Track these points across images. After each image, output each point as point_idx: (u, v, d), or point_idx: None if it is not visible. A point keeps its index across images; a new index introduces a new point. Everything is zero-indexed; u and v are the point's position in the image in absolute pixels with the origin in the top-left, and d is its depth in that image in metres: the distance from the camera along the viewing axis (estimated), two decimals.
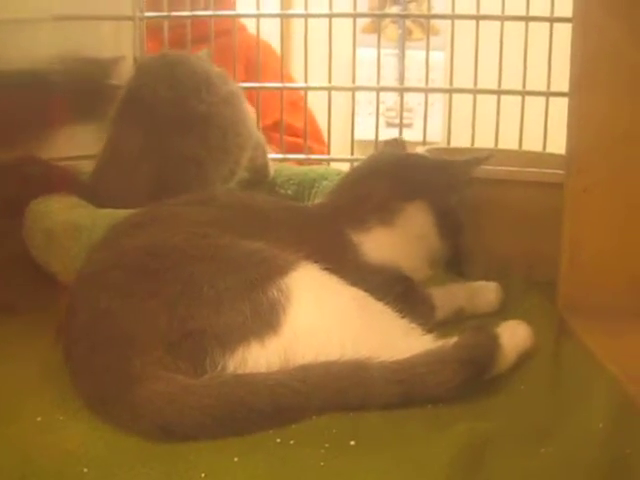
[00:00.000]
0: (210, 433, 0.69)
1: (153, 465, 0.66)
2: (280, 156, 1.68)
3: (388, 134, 1.70)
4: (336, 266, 0.86)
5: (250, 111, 1.47)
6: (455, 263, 1.13)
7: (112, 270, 0.81)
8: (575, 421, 0.73)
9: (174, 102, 1.29)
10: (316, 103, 1.74)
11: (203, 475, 0.64)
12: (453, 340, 0.80)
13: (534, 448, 0.69)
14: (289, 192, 1.55)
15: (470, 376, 0.76)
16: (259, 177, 1.50)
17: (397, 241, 1.00)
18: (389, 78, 2.67)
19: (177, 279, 0.78)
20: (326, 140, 1.74)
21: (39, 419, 0.75)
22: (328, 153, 1.73)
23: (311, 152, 1.76)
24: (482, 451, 0.67)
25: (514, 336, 0.87)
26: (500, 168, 1.19)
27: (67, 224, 1.12)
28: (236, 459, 0.66)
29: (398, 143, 1.17)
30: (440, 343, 0.82)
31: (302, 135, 1.74)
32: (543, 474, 0.65)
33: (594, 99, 1.03)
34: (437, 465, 0.65)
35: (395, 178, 1.04)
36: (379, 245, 0.98)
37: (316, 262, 0.84)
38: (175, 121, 1.28)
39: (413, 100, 2.34)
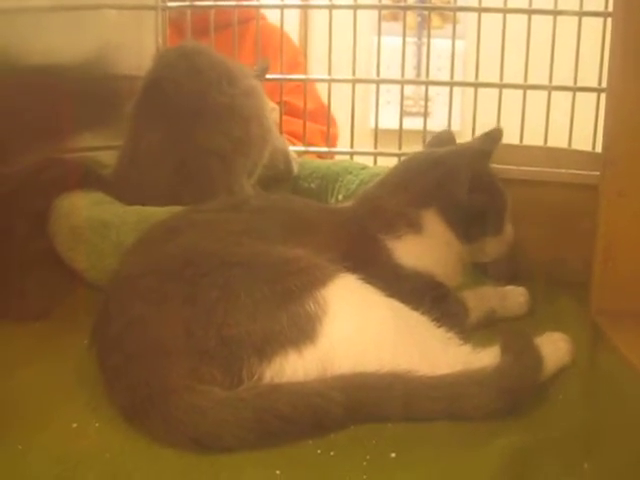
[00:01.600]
0: (247, 445, 0.69)
1: (193, 477, 0.65)
2: (302, 148, 1.67)
3: (406, 123, 1.68)
4: (371, 271, 0.85)
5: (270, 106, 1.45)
6: (481, 265, 1.12)
7: (147, 276, 0.81)
8: (617, 436, 0.72)
9: (196, 94, 1.28)
10: (333, 94, 1.72)
11: None
12: (493, 354, 0.80)
13: (577, 462, 0.68)
14: (312, 186, 1.54)
15: (508, 404, 0.75)
16: (284, 175, 1.49)
17: (426, 248, 0.99)
18: (407, 66, 2.63)
19: (213, 286, 0.77)
20: (349, 132, 1.72)
21: (75, 425, 0.75)
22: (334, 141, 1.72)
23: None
24: (524, 466, 0.67)
25: (556, 351, 0.86)
26: (530, 169, 1.17)
27: (93, 221, 1.11)
28: (278, 472, 0.66)
29: (447, 136, 1.14)
30: (479, 354, 0.81)
31: (302, 116, 1.72)
32: None
33: (633, 98, 1.01)
34: (479, 478, 0.64)
35: (411, 185, 1.03)
36: (411, 252, 0.97)
37: (351, 267, 0.83)
38: (197, 113, 1.27)
39: (432, 89, 2.32)
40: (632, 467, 0.67)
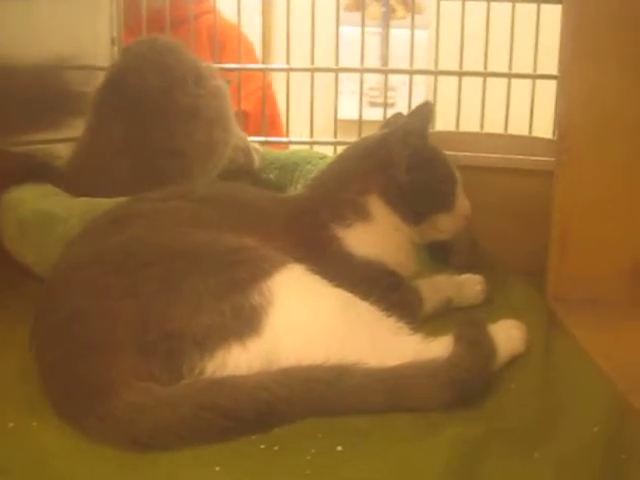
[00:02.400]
0: (187, 443, 0.66)
1: (130, 476, 0.63)
2: (262, 139, 1.65)
3: (371, 114, 1.67)
4: (322, 260, 0.83)
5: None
6: (441, 253, 1.11)
7: (88, 268, 0.78)
8: (569, 424, 0.71)
9: (161, 91, 1.25)
10: (296, 83, 1.70)
11: None
12: (445, 344, 0.78)
13: (527, 452, 0.66)
14: (271, 176, 1.52)
15: (460, 396, 0.73)
16: (244, 167, 1.47)
17: (376, 235, 0.96)
18: (372, 57, 2.60)
19: (155, 278, 0.74)
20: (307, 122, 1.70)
21: (11, 425, 0.72)
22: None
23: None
24: (474, 456, 0.65)
25: (509, 339, 0.84)
26: (487, 155, 1.16)
27: (41, 213, 1.08)
28: (217, 468, 0.63)
29: (400, 119, 1.08)
30: (430, 344, 0.79)
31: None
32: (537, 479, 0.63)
33: (585, 85, 1.00)
34: (428, 472, 0.63)
35: (352, 171, 1.01)
36: (361, 240, 0.95)
37: (302, 257, 0.81)
38: (161, 112, 1.25)
39: (397, 79, 2.31)
40: (581, 455, 0.65)
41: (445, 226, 1.01)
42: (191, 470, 0.63)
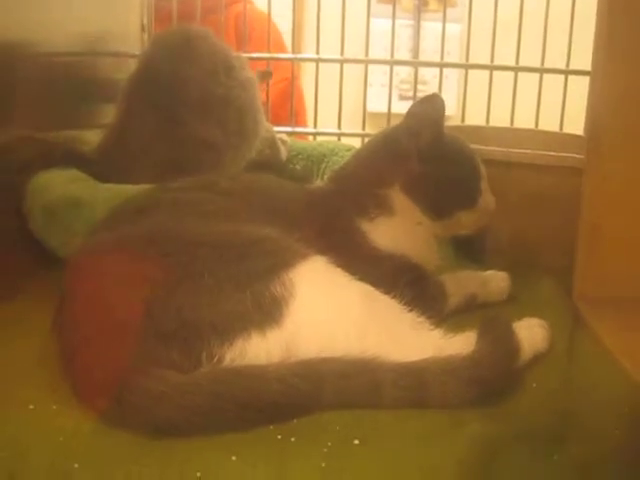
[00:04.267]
0: (204, 431, 0.66)
1: (146, 462, 0.63)
2: (289, 129, 1.65)
3: (400, 107, 1.65)
4: (346, 253, 0.83)
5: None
6: (469, 249, 1.10)
7: (110, 255, 0.78)
8: (590, 426, 0.70)
9: (194, 82, 1.26)
10: (327, 75, 1.69)
11: (198, 474, 0.61)
12: (467, 340, 0.77)
13: (547, 453, 0.65)
14: (297, 167, 1.53)
15: (481, 394, 0.72)
16: (270, 159, 1.47)
17: (399, 229, 0.95)
18: (403, 49, 2.61)
19: (176, 266, 0.74)
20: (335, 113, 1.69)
21: (32, 407, 0.72)
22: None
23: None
24: (493, 456, 0.64)
25: (533, 338, 0.83)
26: (515, 150, 1.14)
27: (67, 198, 1.09)
28: (234, 457, 0.63)
29: (436, 99, 0.99)
30: (451, 340, 0.78)
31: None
32: None
33: (617, 81, 0.99)
34: (445, 469, 0.62)
35: (373, 164, 1.00)
36: (385, 234, 0.94)
37: (325, 249, 0.81)
38: (193, 102, 1.25)
39: (428, 72, 2.30)
40: (602, 458, 0.64)
41: (468, 221, 1.00)
42: (207, 457, 0.63)
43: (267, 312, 0.73)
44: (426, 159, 0.96)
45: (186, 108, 1.25)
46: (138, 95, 1.29)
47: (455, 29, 2.16)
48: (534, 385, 0.78)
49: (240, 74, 1.32)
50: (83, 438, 0.67)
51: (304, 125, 1.82)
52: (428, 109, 0.97)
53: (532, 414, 0.73)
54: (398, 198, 0.96)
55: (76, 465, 0.62)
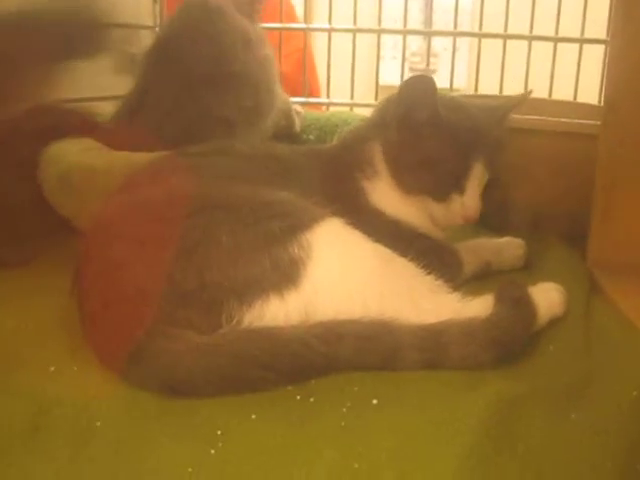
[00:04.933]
0: (223, 391, 0.67)
1: (167, 420, 0.64)
2: (302, 100, 1.64)
3: None
4: (355, 216, 0.82)
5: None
6: (488, 217, 1.09)
7: (127, 218, 0.78)
8: (607, 387, 0.70)
9: (213, 59, 1.27)
10: (339, 46, 1.69)
11: (219, 432, 0.62)
12: (485, 303, 0.77)
13: (564, 413, 0.66)
14: (311, 137, 1.53)
15: (498, 356, 0.72)
16: (285, 130, 1.47)
17: (392, 194, 0.94)
18: (415, 22, 2.59)
19: (195, 228, 0.74)
20: (349, 84, 1.69)
21: (52, 369, 0.73)
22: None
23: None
24: (511, 415, 0.65)
25: (549, 302, 0.83)
26: (528, 117, 1.13)
27: (82, 166, 1.09)
28: (254, 416, 0.64)
29: (424, 78, 0.92)
30: (469, 303, 0.79)
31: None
32: (574, 441, 0.62)
33: (635, 49, 0.98)
34: (463, 428, 0.62)
35: (367, 126, 0.99)
36: (382, 196, 0.94)
37: (337, 210, 0.80)
38: (211, 78, 1.27)
39: (439, 45, 2.29)
40: (619, 418, 0.64)
41: (437, 213, 0.94)
42: (227, 416, 0.64)
43: (285, 274, 0.73)
44: (407, 132, 0.92)
45: (203, 83, 1.26)
46: (156, 68, 1.31)
47: (467, 2, 2.14)
48: (551, 348, 0.78)
49: (258, 50, 1.33)
50: (104, 397, 0.67)
51: (317, 95, 1.81)
52: (417, 85, 0.91)
53: (549, 375, 0.73)
54: (380, 162, 0.95)
55: (98, 423, 0.63)
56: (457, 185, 0.93)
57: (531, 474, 0.58)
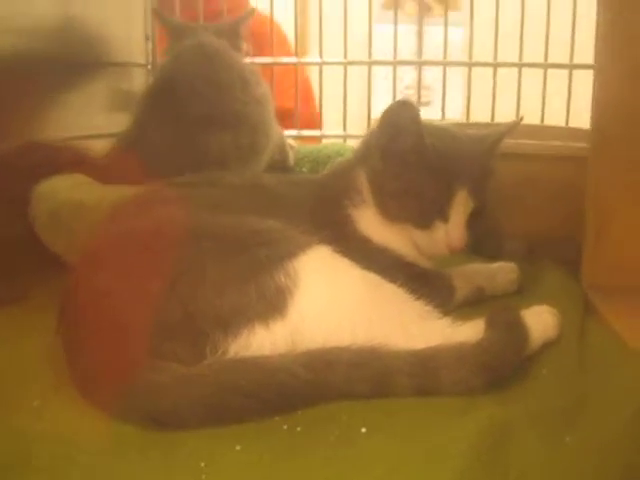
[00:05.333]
0: (207, 423, 0.65)
1: (150, 453, 0.62)
2: (295, 132, 1.65)
3: None
4: (344, 245, 0.81)
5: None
6: (480, 245, 1.08)
7: (114, 249, 0.78)
8: (602, 409, 0.68)
9: (210, 99, 1.28)
10: (332, 80, 1.69)
11: (203, 464, 0.60)
12: (475, 328, 0.76)
13: (558, 436, 0.64)
14: (304, 169, 1.54)
15: (490, 380, 0.71)
16: (279, 164, 1.48)
17: (376, 221, 0.93)
18: (407, 55, 2.60)
19: (180, 259, 0.74)
20: (342, 116, 1.69)
21: (35, 403, 0.72)
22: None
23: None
24: (503, 439, 0.63)
25: (541, 324, 0.82)
26: (519, 142, 1.13)
27: (72, 202, 1.09)
28: (238, 447, 0.62)
29: (406, 105, 0.90)
30: (459, 328, 0.77)
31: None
32: (569, 464, 0.60)
33: (620, 71, 0.98)
34: (454, 453, 0.61)
35: (356, 155, 0.99)
36: (370, 224, 0.93)
37: (325, 239, 0.79)
38: (210, 118, 1.27)
39: (432, 77, 2.30)
40: (616, 439, 0.63)
41: (422, 242, 0.93)
42: (211, 447, 0.62)
43: (271, 303, 0.72)
44: (384, 155, 0.92)
45: (201, 123, 1.27)
46: (154, 107, 1.32)
47: (458, 34, 2.17)
48: (544, 371, 0.77)
49: (255, 89, 1.35)
50: (86, 433, 0.66)
51: (320, 127, 1.81)
52: (399, 112, 0.90)
53: (543, 399, 0.71)
54: (366, 190, 0.94)
55: (80, 457, 0.62)
56: (440, 213, 0.91)
57: None
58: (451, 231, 0.91)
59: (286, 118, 1.63)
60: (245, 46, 1.46)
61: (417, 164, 0.90)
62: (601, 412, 0.68)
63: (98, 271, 0.76)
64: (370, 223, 0.93)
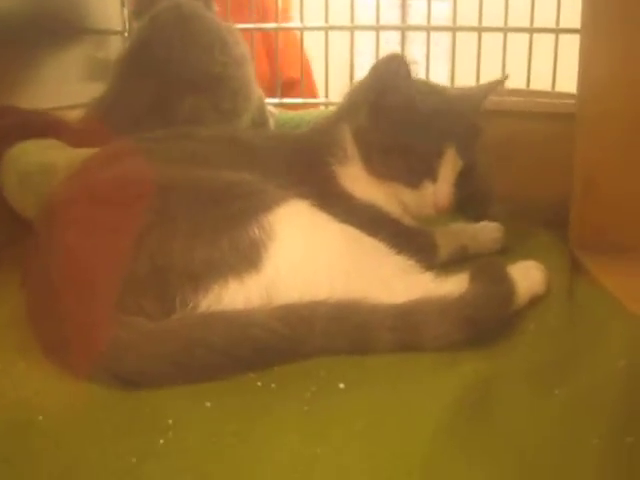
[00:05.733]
0: (177, 381, 0.61)
1: (114, 412, 0.59)
2: (276, 100, 1.61)
3: None
4: (324, 198, 0.78)
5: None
6: (466, 206, 1.04)
7: (78, 204, 0.73)
8: (592, 363, 0.65)
9: (188, 62, 1.25)
10: (314, 46, 1.66)
11: (170, 422, 0.57)
12: (459, 282, 0.73)
13: (547, 389, 0.61)
14: None
15: (474, 334, 0.67)
16: (257, 125, 1.44)
17: (360, 178, 0.89)
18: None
19: (148, 211, 0.69)
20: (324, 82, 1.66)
21: None
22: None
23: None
24: (489, 393, 0.60)
25: (528, 279, 0.79)
26: (507, 99, 1.09)
27: (42, 164, 1.05)
28: (208, 404, 0.59)
29: (396, 59, 0.87)
30: (442, 282, 0.74)
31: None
32: (558, 417, 0.57)
33: (608, 28, 0.94)
34: (437, 409, 0.58)
35: (340, 110, 0.95)
36: (354, 180, 0.89)
37: (304, 193, 0.76)
38: (189, 82, 1.24)
39: (418, 52, 2.27)
40: (605, 389, 0.60)
41: (410, 201, 0.90)
42: (179, 405, 0.59)
43: (245, 257, 0.69)
44: (378, 116, 0.88)
45: (181, 87, 1.23)
46: (130, 73, 1.28)
47: (443, 9, 2.13)
48: (532, 326, 0.74)
49: (234, 50, 1.31)
50: (48, 392, 0.62)
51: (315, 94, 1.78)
52: (389, 67, 0.87)
53: (530, 353, 0.68)
54: (351, 147, 0.90)
55: (40, 417, 0.58)
56: (429, 172, 0.88)
57: (513, 453, 0.53)
58: (439, 190, 0.88)
59: (289, 87, 1.61)
60: (215, 7, 1.42)
61: (407, 122, 0.87)
62: (591, 366, 0.65)
63: (62, 225, 0.72)
64: (354, 180, 0.89)
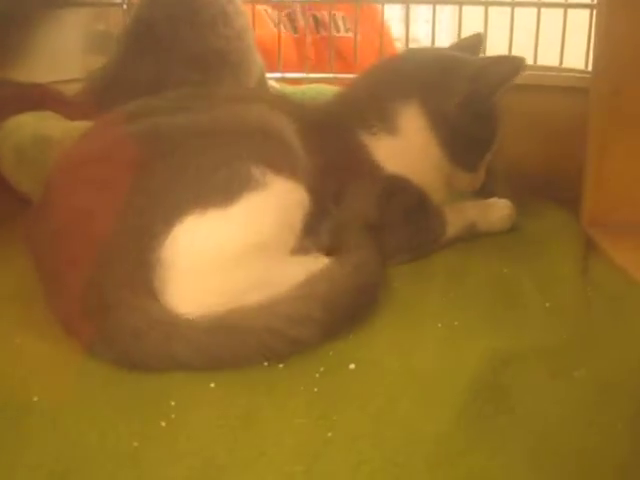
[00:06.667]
0: (186, 368, 0.59)
1: (115, 391, 0.56)
2: (278, 75, 1.57)
3: None
4: (347, 169, 0.80)
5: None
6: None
7: (88, 164, 0.70)
8: (611, 343, 0.63)
9: (191, 38, 1.21)
10: None
11: (173, 403, 0.54)
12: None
13: (566, 371, 0.59)
14: None
15: (331, 315, 0.64)
16: None
17: (404, 151, 0.86)
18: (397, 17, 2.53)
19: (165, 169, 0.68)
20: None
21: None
22: None
23: None
24: (506, 374, 0.58)
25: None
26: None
27: (38, 136, 1.02)
28: (212, 385, 0.57)
29: (515, 61, 0.88)
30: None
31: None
32: (579, 401, 0.55)
33: (625, 2, 0.91)
34: (454, 389, 0.56)
35: (393, 78, 0.91)
36: (387, 153, 0.86)
37: (327, 163, 0.78)
38: (192, 57, 1.20)
39: (421, 31, 2.24)
40: (627, 375, 0.57)
41: (460, 181, 0.92)
42: (182, 386, 0.57)
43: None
44: (470, 108, 0.87)
45: (183, 62, 1.19)
46: (133, 48, 1.23)
47: None
48: (547, 304, 0.71)
49: (236, 22, 1.26)
50: (44, 371, 0.60)
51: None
52: (503, 69, 0.86)
53: (546, 332, 0.66)
54: (409, 117, 0.87)
55: (35, 398, 0.55)
56: (483, 158, 0.93)
57: (533, 438, 0.51)
58: (482, 171, 0.94)
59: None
60: None
61: (489, 116, 0.89)
62: (610, 346, 0.63)
63: (74, 187, 0.69)
64: (390, 152, 0.86)
